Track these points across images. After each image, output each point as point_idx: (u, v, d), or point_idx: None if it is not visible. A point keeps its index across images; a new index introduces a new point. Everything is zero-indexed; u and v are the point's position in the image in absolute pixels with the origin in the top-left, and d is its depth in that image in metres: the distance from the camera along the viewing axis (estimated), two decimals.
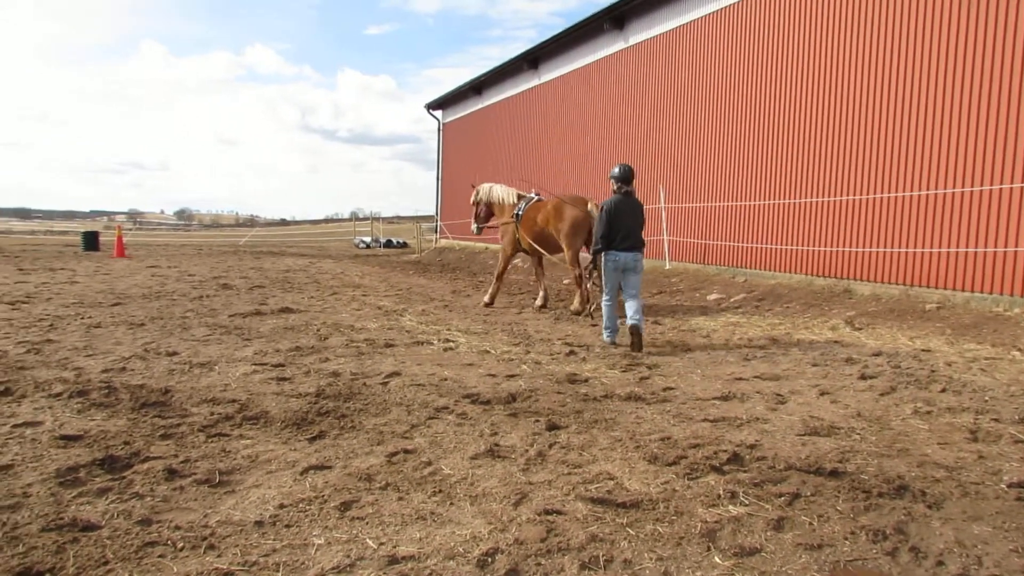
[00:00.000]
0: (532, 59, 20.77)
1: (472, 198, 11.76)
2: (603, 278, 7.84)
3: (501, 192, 11.33)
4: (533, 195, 10.87)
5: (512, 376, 5.86)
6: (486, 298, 10.94)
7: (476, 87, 24.83)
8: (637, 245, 7.59)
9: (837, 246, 11.01)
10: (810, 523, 3.04)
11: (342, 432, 4.23)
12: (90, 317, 8.40)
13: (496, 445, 4.00)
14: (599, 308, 8.14)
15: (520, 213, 10.63)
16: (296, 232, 50.26)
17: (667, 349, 7.36)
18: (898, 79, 10.14)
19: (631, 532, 2.92)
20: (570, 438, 4.18)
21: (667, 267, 14.34)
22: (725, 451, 3.91)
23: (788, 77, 12.09)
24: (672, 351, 7.24)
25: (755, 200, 12.74)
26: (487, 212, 11.63)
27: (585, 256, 9.67)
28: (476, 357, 6.69)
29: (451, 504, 3.20)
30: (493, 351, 7.00)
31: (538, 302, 10.77)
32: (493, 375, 5.90)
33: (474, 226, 11.93)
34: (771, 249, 12.30)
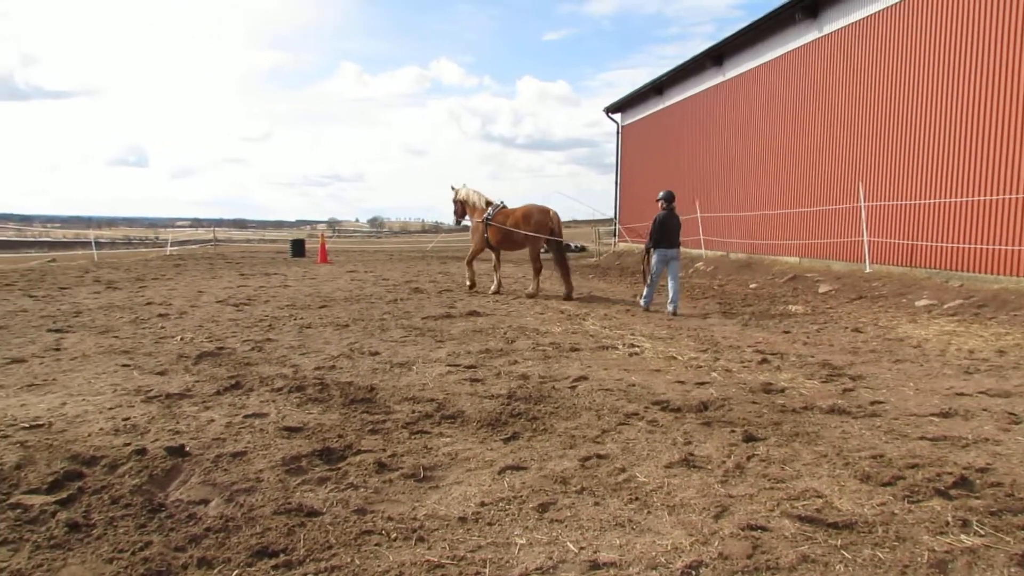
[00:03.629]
0: (716, 55, 20.07)
1: (453, 196, 13.61)
2: (652, 266, 10.84)
3: (474, 196, 13.18)
4: (499, 202, 12.79)
5: (702, 384, 5.69)
6: (467, 283, 13.19)
7: (657, 87, 24.42)
8: (676, 244, 10.75)
9: None
10: None
11: (535, 434, 4.32)
12: (301, 318, 9.22)
13: (691, 455, 3.89)
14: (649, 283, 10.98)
15: (490, 216, 12.53)
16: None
17: (871, 359, 6.80)
18: None
19: (847, 555, 2.72)
20: (769, 451, 3.98)
21: (867, 270, 13.27)
22: (950, 474, 3.54)
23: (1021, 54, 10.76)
24: (877, 361, 6.68)
25: (975, 196, 11.46)
26: (462, 210, 13.56)
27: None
28: (663, 363, 6.57)
29: (648, 512, 3.15)
30: (680, 357, 6.83)
31: (492, 288, 12.85)
32: (682, 382, 5.76)
33: (454, 220, 14.12)
34: (995, 250, 10.98)
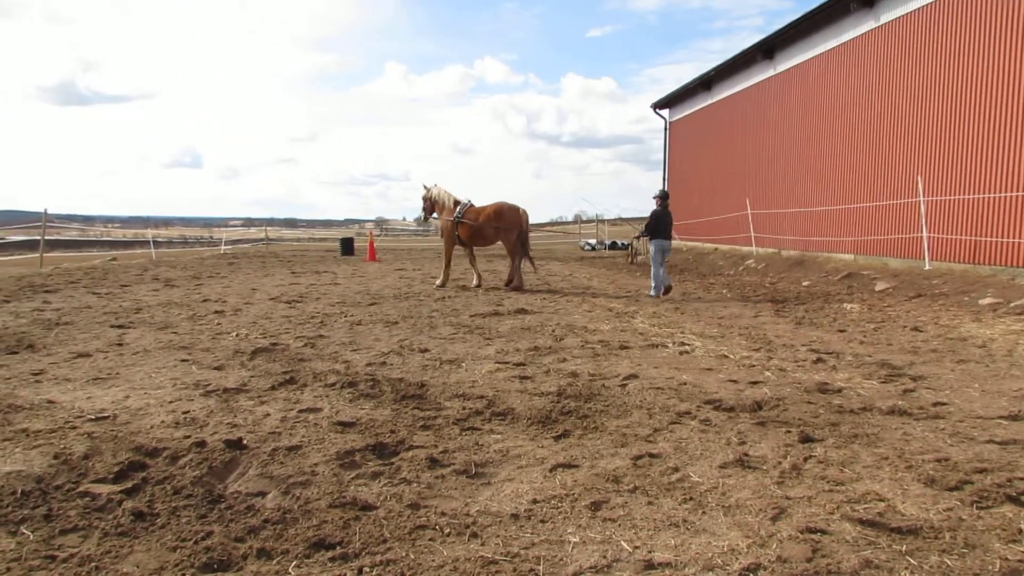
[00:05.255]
0: (767, 48, 19.69)
1: (424, 194, 14.04)
2: (652, 254, 12.55)
3: (444, 195, 13.65)
4: (467, 200, 13.39)
5: (755, 383, 5.59)
6: (438, 282, 13.54)
7: (705, 82, 24.07)
8: (669, 236, 12.58)
9: None
10: None
11: (585, 432, 4.29)
12: (352, 315, 9.34)
13: (745, 455, 3.81)
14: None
15: (460, 214, 13.14)
16: (537, 234, 52.12)
17: (933, 359, 6.59)
18: None
19: (912, 562, 2.63)
20: (827, 452, 3.88)
21: (926, 268, 12.85)
22: (1022, 479, 3.40)
23: None
24: (939, 361, 6.47)
25: None
26: (431, 207, 14.01)
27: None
28: (714, 362, 6.47)
29: (703, 513, 3.10)
30: (732, 356, 6.72)
31: (474, 282, 13.49)
32: (734, 381, 5.67)
33: (422, 215, 14.67)
34: None
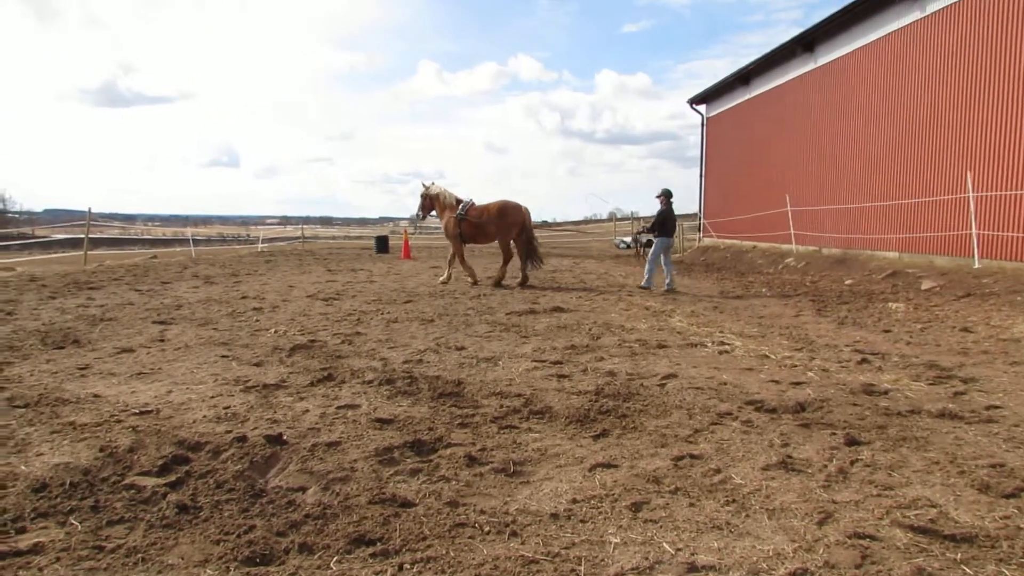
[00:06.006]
0: (807, 42, 19.32)
1: (422, 191, 14.26)
2: (652, 251, 13.27)
3: (446, 193, 13.94)
4: (468, 199, 13.66)
5: (798, 383, 5.47)
6: (470, 279, 13.68)
7: (743, 77, 23.71)
8: (672, 234, 13.29)
9: None
10: None
11: (624, 432, 4.24)
12: (388, 313, 9.38)
13: (789, 457, 3.73)
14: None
15: (464, 211, 13.40)
16: (558, 233, 51.99)
17: (984, 361, 6.39)
18: None
19: (968, 571, 2.54)
20: (875, 456, 3.77)
21: (976, 266, 12.49)
22: None
23: None
24: (991, 363, 6.27)
25: None
26: (430, 205, 14.24)
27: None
28: (755, 361, 6.36)
29: (747, 516, 3.03)
30: (773, 356, 6.60)
31: (442, 278, 13.85)
32: (776, 381, 5.55)
33: (418, 213, 14.76)
34: None
